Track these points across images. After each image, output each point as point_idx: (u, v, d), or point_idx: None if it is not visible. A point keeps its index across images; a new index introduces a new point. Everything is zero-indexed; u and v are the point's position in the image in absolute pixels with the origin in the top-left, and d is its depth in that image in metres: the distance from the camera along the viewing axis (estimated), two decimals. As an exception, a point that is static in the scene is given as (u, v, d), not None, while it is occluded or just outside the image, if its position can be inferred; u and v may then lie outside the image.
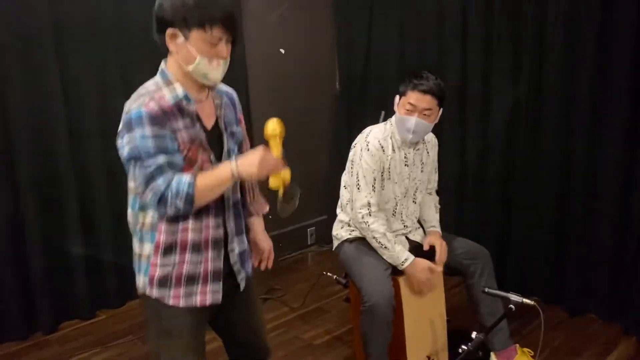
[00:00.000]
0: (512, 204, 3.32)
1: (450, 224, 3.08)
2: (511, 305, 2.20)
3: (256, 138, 3.78)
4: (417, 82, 2.32)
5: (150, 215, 1.63)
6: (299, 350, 2.90)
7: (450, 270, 2.62)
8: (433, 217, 2.63)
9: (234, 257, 1.76)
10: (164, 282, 1.65)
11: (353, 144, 2.53)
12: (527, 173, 3.21)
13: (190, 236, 1.64)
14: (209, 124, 1.68)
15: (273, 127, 1.62)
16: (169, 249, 1.63)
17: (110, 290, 3.32)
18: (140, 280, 1.69)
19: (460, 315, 2.94)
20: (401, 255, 2.38)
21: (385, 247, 2.38)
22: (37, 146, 2.96)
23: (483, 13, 3.27)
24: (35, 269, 3.00)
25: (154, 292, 1.66)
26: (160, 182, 1.53)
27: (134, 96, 1.58)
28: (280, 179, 1.62)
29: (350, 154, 2.52)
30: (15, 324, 2.98)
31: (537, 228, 3.20)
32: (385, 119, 2.70)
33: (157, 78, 1.63)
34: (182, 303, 1.66)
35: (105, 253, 3.26)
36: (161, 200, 1.54)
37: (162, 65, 1.64)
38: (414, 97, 2.33)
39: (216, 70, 1.59)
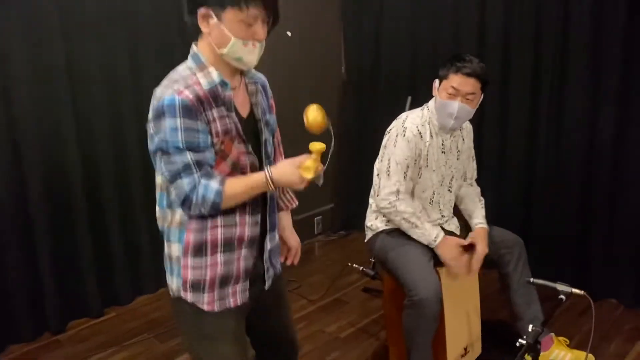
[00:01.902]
0: (534, 190, 3.26)
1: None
2: (561, 296, 2.12)
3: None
4: (461, 65, 2.22)
5: (180, 213, 1.51)
6: (325, 344, 2.81)
7: (485, 260, 2.54)
8: (479, 213, 2.51)
9: (266, 254, 1.65)
10: (197, 286, 1.54)
11: (388, 129, 2.42)
12: (549, 158, 3.17)
13: (220, 234, 1.53)
14: (244, 112, 1.56)
15: (314, 123, 1.54)
16: (198, 250, 1.52)
17: (119, 286, 3.16)
18: (174, 283, 1.58)
19: (491, 307, 2.88)
20: (432, 231, 2.29)
21: (416, 226, 2.29)
22: (43, 137, 2.78)
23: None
24: (42, 267, 2.83)
25: (189, 297, 1.55)
26: (185, 183, 1.42)
27: (165, 82, 1.45)
28: (313, 164, 1.51)
29: (384, 139, 2.42)
30: (21, 324, 2.81)
31: (559, 214, 3.17)
32: (412, 105, 2.59)
33: (190, 62, 1.50)
34: (217, 307, 1.56)
35: (113, 249, 3.10)
36: (185, 202, 1.44)
37: (194, 48, 1.51)
38: (457, 80, 2.23)
39: (251, 53, 1.46)
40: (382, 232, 2.44)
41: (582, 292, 2.14)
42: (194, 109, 1.40)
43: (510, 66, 3.21)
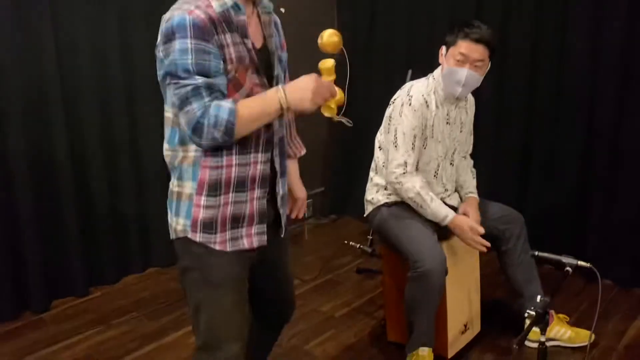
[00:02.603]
0: (532, 163, 3.22)
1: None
2: (568, 268, 2.08)
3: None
4: (469, 31, 2.16)
5: (194, 149, 1.43)
6: (320, 323, 2.74)
7: (485, 236, 2.49)
8: (470, 183, 2.49)
9: (279, 200, 1.58)
10: (209, 225, 1.46)
11: (392, 99, 2.35)
12: (548, 131, 3.13)
13: (234, 172, 1.45)
14: (257, 42, 1.48)
15: (331, 41, 1.44)
16: (213, 187, 1.44)
17: (105, 265, 3.04)
18: (180, 223, 1.49)
19: (491, 282, 2.84)
20: (441, 209, 2.23)
21: (422, 206, 2.23)
22: (29, 112, 2.65)
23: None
24: (24, 243, 2.70)
25: (198, 237, 1.47)
26: (195, 107, 1.32)
27: (175, 5, 1.37)
28: (334, 107, 1.44)
29: (389, 110, 2.35)
30: (1, 303, 2.67)
31: (557, 189, 3.13)
32: (412, 77, 2.53)
33: None
34: (229, 247, 1.48)
35: (99, 225, 2.97)
36: (196, 128, 1.33)
37: None
38: (465, 46, 2.17)
39: None
40: (383, 205, 2.37)
41: (587, 265, 2.10)
42: (206, 29, 1.32)
43: (509, 33, 3.16)
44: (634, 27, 2.76)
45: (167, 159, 1.51)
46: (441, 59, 2.28)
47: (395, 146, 2.26)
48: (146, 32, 2.87)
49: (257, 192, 1.50)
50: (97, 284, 3.02)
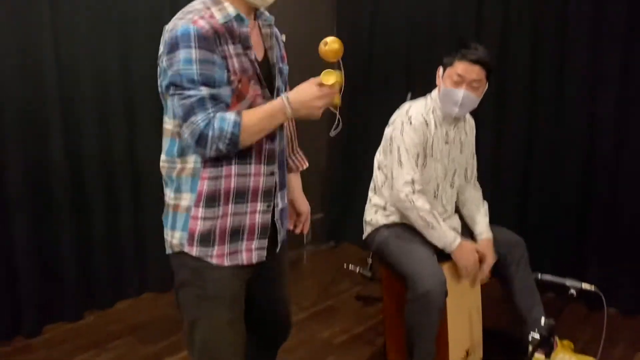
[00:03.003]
0: (530, 189, 3.19)
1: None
2: (572, 291, 2.07)
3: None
4: (466, 52, 2.18)
5: (192, 161, 1.42)
6: (318, 349, 2.67)
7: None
8: (483, 221, 2.42)
9: (277, 213, 1.55)
10: (206, 238, 1.43)
11: (391, 120, 2.35)
12: (547, 157, 3.10)
13: (233, 183, 1.43)
14: (259, 54, 1.48)
15: (333, 48, 1.42)
16: (212, 199, 1.42)
17: (98, 289, 2.97)
18: (176, 236, 1.46)
19: (493, 310, 2.78)
20: (449, 234, 2.20)
21: (433, 227, 2.20)
22: (26, 131, 2.62)
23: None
24: (18, 266, 2.65)
25: (195, 250, 1.44)
26: (200, 118, 1.32)
27: (178, 15, 1.38)
28: (337, 101, 1.44)
29: (388, 130, 2.34)
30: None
31: (557, 215, 3.09)
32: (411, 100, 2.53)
33: None
34: (226, 262, 1.45)
35: (94, 248, 2.93)
36: (200, 139, 1.33)
37: None
38: (462, 67, 2.18)
39: None
40: (382, 226, 2.34)
41: (592, 287, 2.07)
42: (210, 39, 1.32)
43: (508, 59, 3.17)
44: (633, 48, 2.77)
45: (163, 171, 1.49)
46: (438, 80, 2.29)
47: (400, 164, 2.24)
48: (147, 42, 2.85)
49: (259, 205, 1.48)
50: (90, 308, 2.96)
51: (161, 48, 1.36)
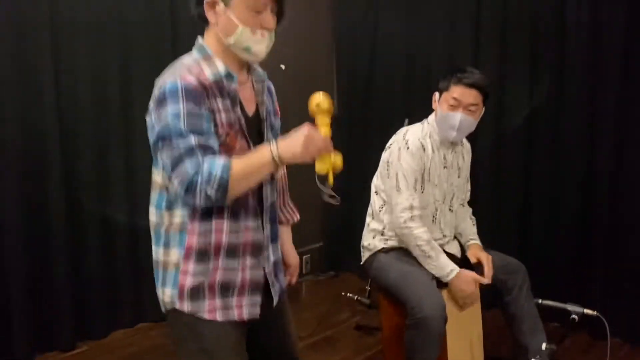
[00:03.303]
0: (531, 214, 3.15)
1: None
2: (574, 316, 2.01)
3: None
4: (462, 76, 2.19)
5: (180, 215, 1.40)
6: (317, 380, 2.60)
7: (487, 285, 2.42)
8: (471, 230, 2.46)
9: (268, 267, 1.53)
10: (196, 294, 1.41)
11: (388, 144, 2.35)
12: (546, 181, 3.08)
13: (225, 238, 1.41)
14: (250, 109, 1.48)
15: (321, 100, 1.39)
16: (202, 254, 1.40)
17: (93, 319, 2.92)
18: (167, 294, 1.44)
19: (495, 341, 2.72)
20: (446, 265, 2.18)
21: (429, 256, 2.17)
22: (25, 157, 2.64)
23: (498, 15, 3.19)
24: (9, 293, 2.61)
25: (186, 306, 1.41)
26: (188, 167, 1.30)
27: (167, 71, 1.38)
28: (329, 162, 1.37)
29: (385, 155, 2.33)
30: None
31: (557, 241, 3.04)
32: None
33: (194, 53, 1.43)
34: (218, 317, 1.42)
35: (90, 277, 2.89)
36: (189, 188, 1.30)
37: (199, 40, 1.45)
38: (458, 91, 2.19)
39: (260, 42, 1.40)
40: (380, 250, 2.31)
41: (594, 313, 2.02)
42: (197, 94, 1.32)
43: (506, 85, 3.18)
44: (630, 71, 2.78)
45: (151, 225, 1.48)
46: (434, 105, 2.29)
47: (398, 190, 2.23)
48: (148, 65, 2.87)
49: (249, 261, 1.46)
50: (84, 338, 2.90)
51: (150, 104, 1.36)
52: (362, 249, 2.41)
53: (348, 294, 2.96)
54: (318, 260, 4.07)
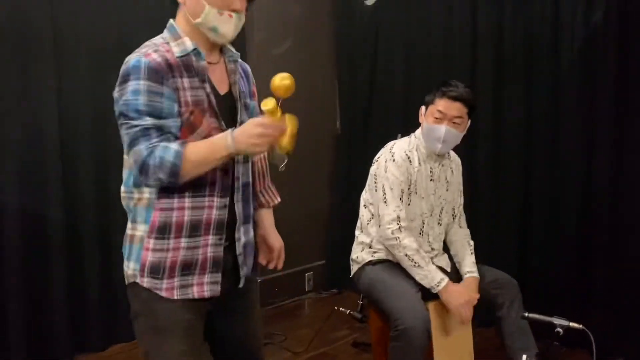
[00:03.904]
0: (531, 229, 3.13)
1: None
2: (558, 329, 1.99)
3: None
4: (446, 89, 2.21)
5: (148, 191, 1.43)
6: (309, 395, 2.59)
7: (478, 300, 2.39)
8: (469, 260, 2.39)
9: (239, 248, 1.53)
10: (156, 270, 1.43)
11: (375, 158, 2.38)
12: (545, 195, 3.06)
13: (187, 216, 1.43)
14: (222, 89, 1.51)
15: (281, 84, 1.42)
16: (162, 230, 1.42)
17: (92, 331, 2.96)
18: (130, 267, 1.47)
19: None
20: (436, 275, 2.17)
21: (419, 266, 2.17)
22: (25, 172, 2.72)
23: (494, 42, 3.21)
24: (10, 305, 2.67)
25: (145, 282, 1.43)
26: (142, 147, 1.34)
27: (137, 49, 1.42)
28: (286, 144, 1.42)
29: (373, 168, 2.36)
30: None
31: (557, 256, 3.00)
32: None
33: (165, 33, 1.48)
34: (176, 295, 1.44)
35: (88, 290, 2.94)
36: (142, 168, 1.35)
37: (171, 21, 1.49)
38: (442, 104, 2.21)
39: (227, 23, 1.43)
40: (368, 263, 2.32)
41: (580, 326, 2.00)
42: (160, 72, 1.36)
43: (503, 109, 3.19)
44: (631, 71, 2.77)
45: (123, 202, 1.51)
46: (421, 118, 2.32)
47: (385, 202, 2.24)
48: None
49: (211, 239, 1.47)
50: (82, 351, 2.94)
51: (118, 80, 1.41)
52: (351, 262, 2.42)
53: (340, 309, 2.96)
54: (321, 278, 4.07)
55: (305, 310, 3.80)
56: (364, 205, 2.41)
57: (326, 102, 4.13)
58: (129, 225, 1.49)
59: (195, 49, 1.44)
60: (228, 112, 1.50)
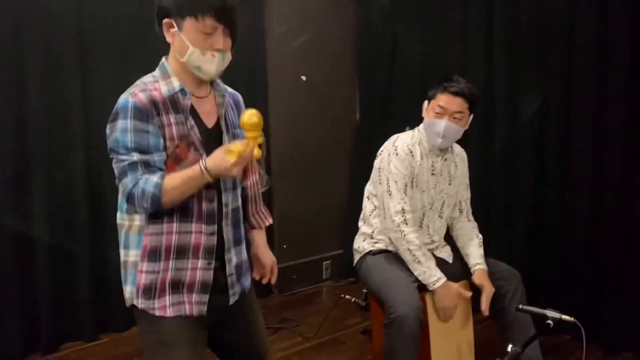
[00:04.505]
0: (542, 228, 3.13)
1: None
2: (549, 321, 2.01)
3: (274, 167, 3.73)
4: (448, 85, 2.25)
5: (138, 218, 1.55)
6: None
7: (479, 292, 2.44)
8: (477, 253, 2.44)
9: (230, 269, 1.64)
10: (148, 292, 1.55)
11: (379, 151, 2.44)
12: (557, 195, 3.06)
13: (174, 240, 1.55)
14: (210, 122, 1.61)
15: (249, 117, 1.48)
16: (153, 253, 1.54)
17: (115, 313, 3.13)
18: (127, 291, 1.60)
19: (490, 351, 2.71)
20: (434, 273, 2.23)
21: (419, 262, 2.23)
22: (52, 163, 2.90)
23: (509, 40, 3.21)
24: (40, 286, 2.87)
25: (141, 303, 1.56)
26: (129, 180, 1.48)
27: (129, 88, 1.54)
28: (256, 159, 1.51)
29: (377, 161, 2.42)
30: (13, 342, 2.81)
31: (568, 256, 3.01)
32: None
33: (156, 71, 1.59)
34: (169, 313, 1.55)
35: (113, 273, 3.09)
36: (129, 198, 1.49)
37: (163, 59, 1.60)
38: (443, 99, 2.25)
39: (210, 62, 1.52)
40: (368, 253, 2.39)
41: (572, 319, 2.02)
42: (145, 111, 1.47)
43: (517, 108, 3.19)
44: (638, 89, 2.75)
45: (118, 229, 1.62)
46: (424, 113, 2.36)
47: (390, 194, 2.30)
48: None
49: (200, 262, 1.57)
50: (107, 330, 3.11)
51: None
52: (354, 252, 2.50)
53: (346, 297, 3.04)
54: (338, 267, 4.16)
55: (322, 298, 3.89)
56: (367, 197, 2.48)
57: (346, 95, 4.19)
58: (123, 252, 1.60)
59: (181, 89, 1.54)
60: (215, 144, 1.58)
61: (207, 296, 1.59)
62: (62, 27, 2.84)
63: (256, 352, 1.79)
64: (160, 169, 1.50)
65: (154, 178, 1.47)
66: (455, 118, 2.26)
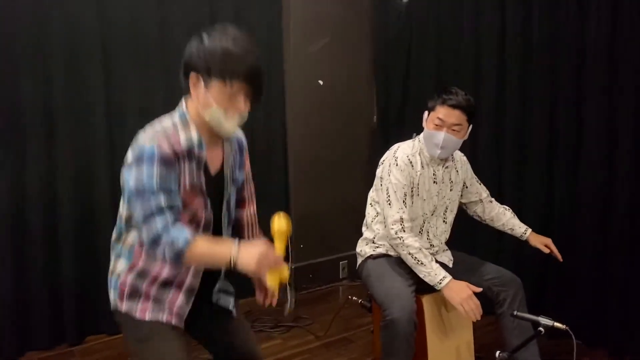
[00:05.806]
0: (551, 232, 3.12)
1: (481, 252, 3.00)
2: (540, 328, 2.07)
3: (291, 168, 3.85)
4: (446, 97, 2.31)
5: (132, 235, 1.66)
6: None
7: (479, 296, 2.49)
8: (517, 222, 2.61)
9: (215, 295, 1.82)
10: (133, 295, 1.66)
11: (381, 160, 2.52)
12: (566, 201, 3.08)
13: (164, 273, 1.66)
14: (214, 169, 1.70)
15: (279, 224, 1.59)
16: (140, 276, 1.66)
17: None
18: (111, 295, 1.71)
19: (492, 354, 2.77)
20: (439, 272, 2.29)
21: (422, 263, 2.30)
22: (77, 164, 3.07)
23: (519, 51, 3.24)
24: (66, 280, 3.05)
25: (124, 306, 1.67)
26: (158, 223, 1.53)
27: (149, 130, 1.60)
28: (277, 277, 1.57)
29: (378, 170, 2.51)
30: (41, 333, 3.01)
31: (577, 261, 3.02)
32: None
33: (176, 118, 1.64)
34: (148, 316, 1.66)
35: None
36: (155, 242, 1.54)
37: (182, 105, 1.66)
38: (442, 112, 2.32)
39: (231, 121, 1.59)
40: (369, 257, 2.49)
41: (564, 327, 2.07)
42: (170, 162, 1.55)
43: (531, 107, 3.20)
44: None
45: (112, 239, 1.74)
46: (424, 124, 2.43)
47: (389, 204, 2.39)
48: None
49: (180, 299, 1.68)
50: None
51: (130, 153, 1.58)
52: (357, 256, 2.60)
53: (353, 297, 3.13)
54: (354, 267, 4.22)
55: (337, 297, 3.99)
56: (370, 204, 2.57)
57: (363, 97, 4.26)
58: (114, 259, 1.72)
59: (199, 142, 1.62)
60: (216, 189, 1.70)
61: (184, 315, 1.70)
62: (85, 32, 2.99)
63: (245, 346, 1.88)
64: (179, 211, 1.58)
65: (186, 233, 1.53)
66: (453, 130, 2.32)
